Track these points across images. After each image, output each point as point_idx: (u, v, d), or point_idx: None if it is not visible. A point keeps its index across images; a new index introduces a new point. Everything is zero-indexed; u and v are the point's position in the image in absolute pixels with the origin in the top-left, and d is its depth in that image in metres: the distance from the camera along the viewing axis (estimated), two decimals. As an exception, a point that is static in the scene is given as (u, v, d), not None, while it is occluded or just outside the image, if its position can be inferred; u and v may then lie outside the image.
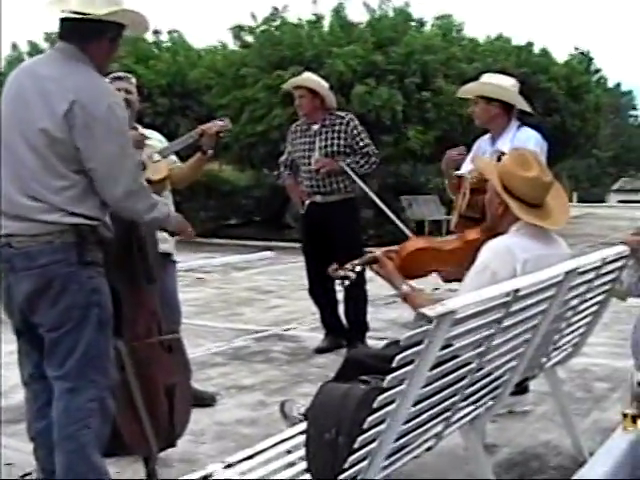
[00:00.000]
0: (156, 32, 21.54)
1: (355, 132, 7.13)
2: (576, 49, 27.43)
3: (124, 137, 3.58)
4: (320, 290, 7.47)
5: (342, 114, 7.26)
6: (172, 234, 4.20)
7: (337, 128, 7.11)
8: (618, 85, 44.37)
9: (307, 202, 7.24)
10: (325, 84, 7.26)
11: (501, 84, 5.69)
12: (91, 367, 3.51)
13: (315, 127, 7.15)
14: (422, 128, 18.40)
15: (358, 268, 3.90)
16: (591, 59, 28.50)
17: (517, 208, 3.80)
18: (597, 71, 30.19)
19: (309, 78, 7.34)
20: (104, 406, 3.57)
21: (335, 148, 7.07)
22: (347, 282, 3.87)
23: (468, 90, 5.72)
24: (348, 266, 3.90)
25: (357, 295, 7.29)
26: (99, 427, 3.55)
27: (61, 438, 3.52)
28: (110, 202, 3.53)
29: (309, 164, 7.13)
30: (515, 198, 3.81)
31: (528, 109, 5.70)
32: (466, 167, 5.77)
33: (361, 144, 7.12)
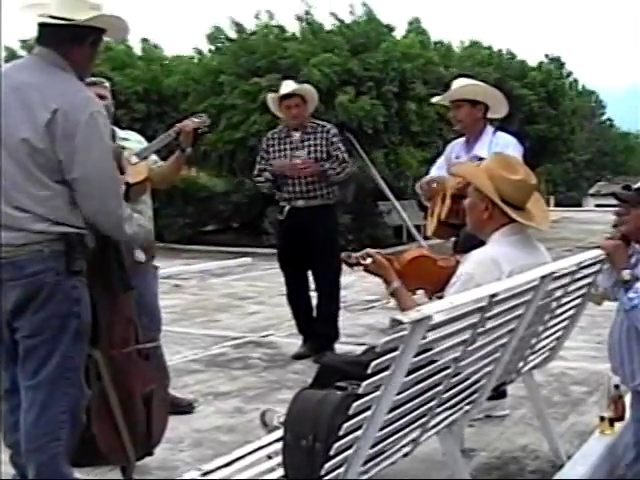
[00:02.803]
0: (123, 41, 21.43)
1: (335, 139, 7.22)
2: (546, 56, 27.51)
3: (105, 148, 3.53)
4: (297, 296, 7.47)
5: (323, 123, 7.36)
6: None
7: (319, 136, 7.18)
8: (583, 88, 44.37)
9: (287, 208, 7.22)
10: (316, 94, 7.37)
11: (487, 87, 5.72)
12: (65, 379, 3.48)
13: (296, 135, 7.19)
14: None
15: (369, 260, 3.94)
16: (562, 64, 28.60)
17: (514, 213, 3.81)
18: (569, 75, 30.30)
19: (306, 87, 7.40)
20: (75, 418, 3.54)
21: (318, 155, 7.12)
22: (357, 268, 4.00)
23: (456, 94, 5.63)
24: (357, 255, 3.98)
25: (330, 303, 7.35)
26: (69, 438, 3.53)
27: (31, 450, 3.49)
28: (87, 214, 3.48)
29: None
30: (502, 202, 3.82)
31: (505, 113, 5.73)
32: (436, 172, 5.78)
33: (337, 152, 7.16)
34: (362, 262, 3.95)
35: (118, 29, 3.69)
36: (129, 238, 3.76)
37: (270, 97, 7.43)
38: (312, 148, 7.14)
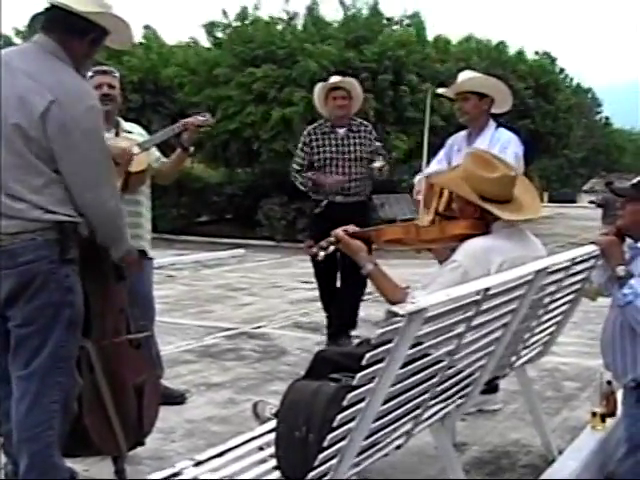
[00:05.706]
0: None
1: (377, 141, 7.30)
2: (536, 53, 27.55)
3: (100, 141, 3.52)
4: (327, 281, 7.46)
5: (364, 122, 7.44)
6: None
7: (363, 135, 7.26)
8: (578, 85, 44.25)
9: (325, 202, 7.21)
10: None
11: (495, 80, 5.71)
12: (57, 368, 3.46)
13: (341, 131, 7.24)
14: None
15: (331, 248, 3.94)
16: (554, 60, 28.61)
17: (499, 211, 3.80)
18: (561, 71, 30.28)
19: (352, 81, 7.43)
20: (66, 407, 3.53)
21: (364, 154, 7.20)
22: (320, 256, 3.96)
23: (465, 86, 5.59)
24: (322, 243, 3.96)
25: (355, 293, 7.34)
26: (60, 427, 3.51)
27: (24, 440, 3.47)
28: (80, 206, 3.46)
29: (341, 167, 7.15)
30: (488, 201, 3.82)
31: (507, 108, 5.72)
32: (436, 165, 5.77)
33: (383, 152, 7.20)
34: (319, 254, 3.93)
35: (121, 34, 3.66)
36: (119, 235, 3.71)
37: (318, 87, 7.43)
38: (357, 147, 7.21)
